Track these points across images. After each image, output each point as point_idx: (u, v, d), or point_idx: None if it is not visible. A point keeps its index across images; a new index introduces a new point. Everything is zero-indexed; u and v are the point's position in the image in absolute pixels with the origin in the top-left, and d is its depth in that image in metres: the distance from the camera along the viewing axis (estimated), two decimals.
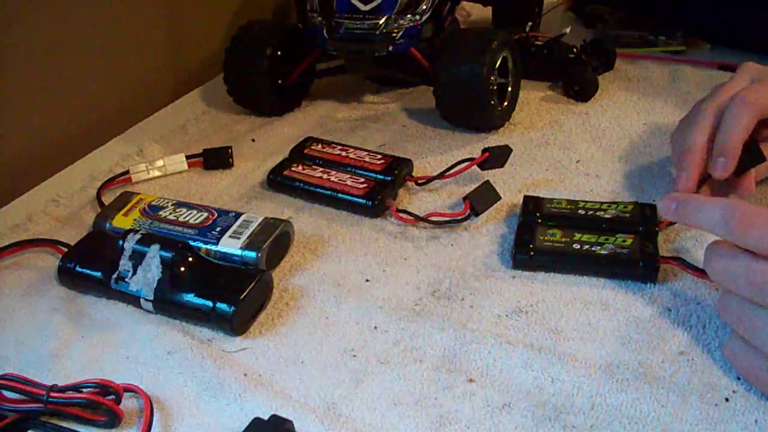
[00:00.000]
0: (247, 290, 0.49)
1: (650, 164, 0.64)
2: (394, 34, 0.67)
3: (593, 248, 0.52)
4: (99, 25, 0.72)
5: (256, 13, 0.91)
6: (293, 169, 0.63)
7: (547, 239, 0.53)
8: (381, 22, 0.67)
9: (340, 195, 0.60)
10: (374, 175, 0.62)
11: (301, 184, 0.62)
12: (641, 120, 0.72)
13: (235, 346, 0.48)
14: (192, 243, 0.53)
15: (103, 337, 0.49)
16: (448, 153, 0.68)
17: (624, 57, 0.82)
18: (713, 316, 0.48)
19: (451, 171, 0.61)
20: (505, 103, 0.71)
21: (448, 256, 0.55)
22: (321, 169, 0.63)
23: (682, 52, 0.83)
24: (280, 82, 0.74)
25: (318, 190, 0.61)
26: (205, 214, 0.56)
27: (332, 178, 0.61)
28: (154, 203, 0.58)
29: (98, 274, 0.52)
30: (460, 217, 0.57)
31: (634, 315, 0.49)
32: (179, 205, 0.58)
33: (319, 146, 0.66)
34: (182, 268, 0.50)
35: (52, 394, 0.42)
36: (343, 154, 0.65)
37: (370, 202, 0.59)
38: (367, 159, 0.64)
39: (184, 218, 0.56)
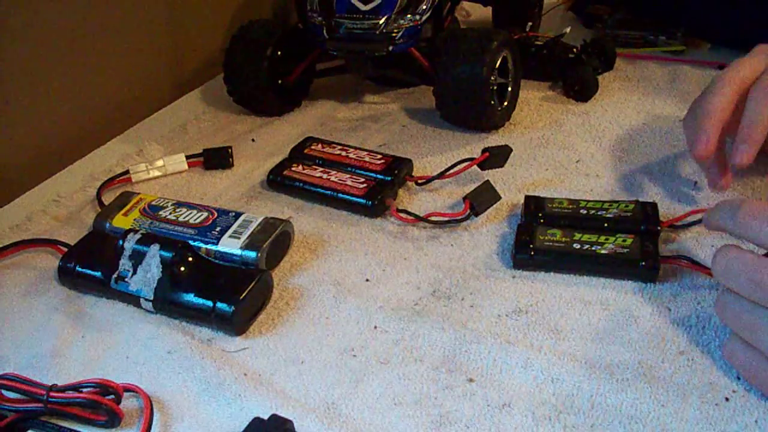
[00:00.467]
0: (247, 290, 0.49)
1: (650, 164, 0.64)
2: (394, 34, 0.67)
3: (593, 248, 0.52)
4: (99, 25, 0.72)
5: (256, 13, 0.91)
6: (293, 169, 0.63)
7: (548, 239, 0.53)
8: (381, 22, 0.67)
9: (340, 195, 0.60)
10: (374, 175, 0.62)
11: (301, 184, 0.62)
12: (641, 120, 0.72)
13: (235, 346, 0.48)
14: (192, 243, 0.53)
15: (103, 337, 0.49)
16: (448, 153, 0.68)
17: (624, 57, 0.82)
18: (713, 316, 0.48)
19: (451, 171, 0.61)
20: (505, 103, 0.71)
21: (448, 256, 0.55)
22: (321, 169, 0.63)
23: (682, 52, 0.83)
24: (280, 82, 0.74)
25: (318, 190, 0.61)
26: (205, 214, 0.56)
27: (332, 178, 0.61)
28: (154, 203, 0.58)
29: (98, 273, 0.52)
30: (460, 217, 0.57)
31: (634, 315, 0.49)
32: (179, 205, 0.58)
33: (319, 146, 0.66)
34: (182, 268, 0.50)
35: (52, 393, 0.42)
36: (343, 154, 0.65)
37: (370, 202, 0.59)
38: (367, 159, 0.64)
39: (184, 218, 0.56)
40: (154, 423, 0.42)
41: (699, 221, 0.55)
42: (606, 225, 0.54)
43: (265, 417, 0.41)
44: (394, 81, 0.80)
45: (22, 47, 0.65)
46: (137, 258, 0.50)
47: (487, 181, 0.59)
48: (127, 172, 0.65)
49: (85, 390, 0.42)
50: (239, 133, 0.73)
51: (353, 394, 0.44)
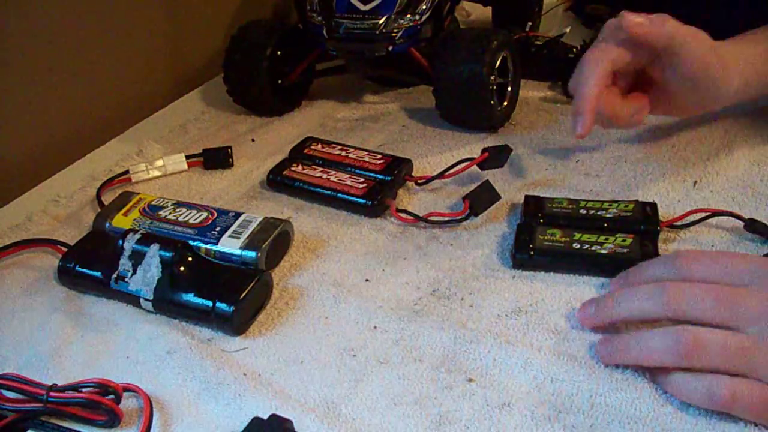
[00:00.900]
0: (247, 290, 0.49)
1: (650, 164, 0.64)
2: (394, 34, 0.67)
3: (593, 248, 0.52)
4: (99, 25, 0.72)
5: (256, 13, 0.91)
6: (293, 168, 0.63)
7: (547, 239, 0.53)
8: (381, 22, 0.67)
9: (339, 195, 0.60)
10: (374, 175, 0.62)
11: (301, 184, 0.62)
12: None
13: (235, 345, 0.48)
14: (192, 243, 0.53)
15: (103, 337, 0.49)
16: (448, 153, 0.68)
17: None
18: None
19: (451, 171, 0.61)
20: (505, 103, 0.71)
21: (448, 256, 0.55)
22: (321, 168, 0.63)
23: None
24: (280, 82, 0.74)
25: (318, 189, 0.61)
26: (205, 214, 0.56)
27: (332, 178, 0.61)
28: (153, 203, 0.58)
29: (98, 273, 0.52)
30: (459, 217, 0.57)
31: None
32: (179, 204, 0.58)
33: (319, 146, 0.66)
34: (182, 268, 0.50)
35: (51, 393, 0.42)
36: (343, 154, 0.65)
37: (370, 202, 0.59)
38: (367, 159, 0.64)
39: (184, 218, 0.56)
40: (153, 423, 0.42)
41: (699, 221, 0.55)
42: (606, 225, 0.54)
43: (265, 417, 0.41)
44: (394, 81, 0.80)
45: (23, 47, 0.65)
46: (137, 258, 0.50)
47: (487, 181, 0.59)
48: (127, 172, 0.65)
49: (84, 390, 0.42)
50: (239, 133, 0.73)
51: (353, 394, 0.44)
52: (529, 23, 0.83)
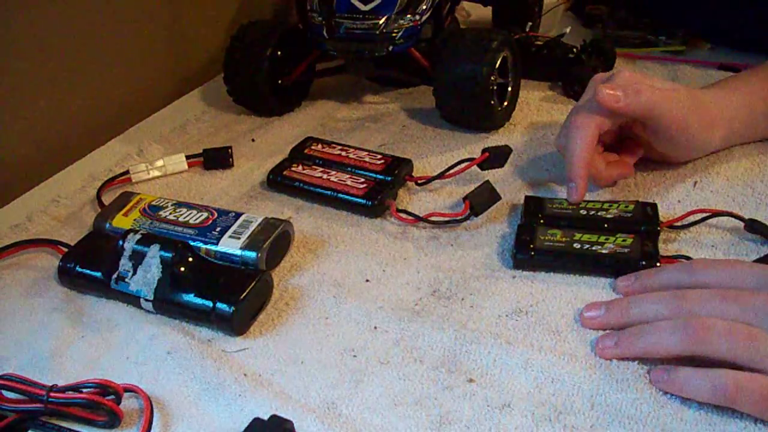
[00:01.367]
0: (247, 290, 0.49)
1: (650, 164, 0.64)
2: (394, 34, 0.67)
3: (594, 248, 0.52)
4: (99, 25, 0.72)
5: (256, 13, 0.90)
6: (293, 169, 0.63)
7: (548, 239, 0.53)
8: (381, 22, 0.67)
9: (340, 195, 0.60)
10: (374, 175, 0.62)
11: (301, 184, 0.62)
12: None
13: (235, 346, 0.48)
14: (192, 243, 0.53)
15: (103, 337, 0.49)
16: (448, 153, 0.68)
17: (624, 57, 0.82)
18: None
19: (451, 171, 0.61)
20: (505, 103, 0.70)
21: (448, 256, 0.55)
22: (321, 169, 0.63)
23: (682, 52, 0.83)
24: (280, 82, 0.74)
25: (318, 190, 0.61)
26: (205, 214, 0.56)
27: (332, 178, 0.61)
28: (154, 203, 0.58)
29: (98, 274, 0.52)
30: (460, 217, 0.57)
31: None
32: (179, 205, 0.58)
33: (319, 146, 0.66)
34: (182, 268, 0.50)
35: (52, 394, 0.42)
36: (343, 154, 0.65)
37: (370, 202, 0.59)
38: (367, 159, 0.64)
39: (184, 218, 0.56)
40: (154, 423, 0.42)
41: (699, 221, 0.55)
42: (606, 225, 0.54)
43: (265, 417, 0.41)
44: (394, 81, 0.80)
45: (23, 48, 0.65)
46: (137, 258, 0.50)
47: (487, 181, 0.59)
48: (127, 172, 0.65)
49: (85, 390, 0.42)
50: (239, 133, 0.73)
51: (353, 395, 0.44)
52: (529, 23, 0.83)
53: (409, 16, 0.68)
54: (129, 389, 0.43)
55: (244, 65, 0.72)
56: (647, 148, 0.61)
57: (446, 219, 0.58)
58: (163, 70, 0.81)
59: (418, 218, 0.58)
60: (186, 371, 0.46)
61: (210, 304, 0.48)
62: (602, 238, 0.52)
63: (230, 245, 0.53)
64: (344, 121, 0.75)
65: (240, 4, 0.88)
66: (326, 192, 0.61)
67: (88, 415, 0.42)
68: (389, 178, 0.61)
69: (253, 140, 0.72)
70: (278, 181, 0.63)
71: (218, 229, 0.55)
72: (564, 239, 0.53)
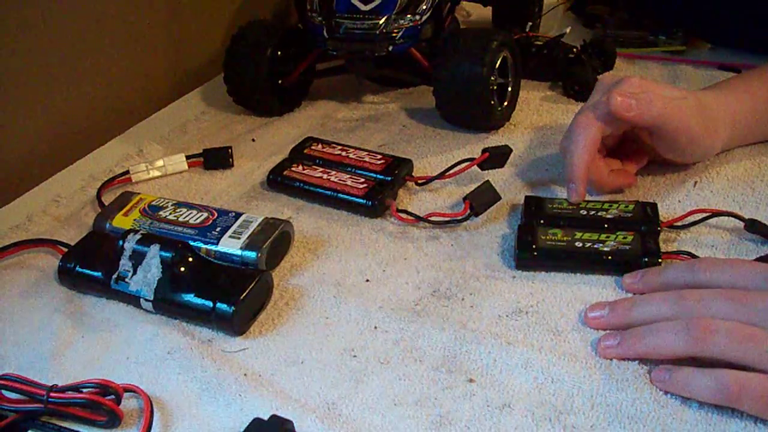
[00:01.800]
0: (247, 290, 0.48)
1: (650, 164, 0.64)
2: (394, 34, 0.67)
3: (595, 246, 0.52)
4: (99, 25, 0.72)
5: (256, 13, 0.91)
6: (293, 169, 0.63)
7: (549, 238, 0.53)
8: (381, 22, 0.67)
9: (340, 195, 0.60)
10: (374, 175, 0.62)
11: (301, 184, 0.62)
12: None
13: (235, 346, 0.48)
14: (192, 243, 0.53)
15: (103, 337, 0.49)
16: (448, 153, 0.68)
17: (624, 57, 0.82)
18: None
19: (451, 171, 0.61)
20: (505, 103, 0.71)
21: (448, 256, 0.55)
22: (321, 169, 0.63)
23: (682, 52, 0.83)
24: (280, 82, 0.74)
25: (318, 190, 0.61)
26: (205, 214, 0.56)
27: (332, 178, 0.61)
28: (154, 203, 0.58)
29: (98, 274, 0.52)
30: (460, 217, 0.57)
31: None
32: (179, 205, 0.58)
33: (319, 146, 0.66)
34: (182, 268, 0.50)
35: (52, 394, 0.42)
36: (343, 154, 0.65)
37: (370, 202, 0.59)
38: (367, 159, 0.64)
39: (184, 218, 0.56)
40: (154, 423, 0.42)
41: (699, 221, 0.55)
42: (606, 225, 0.54)
43: (265, 417, 0.41)
44: (394, 81, 0.80)
45: (23, 47, 0.65)
46: (137, 258, 0.50)
47: (487, 181, 0.59)
48: (127, 172, 0.65)
49: (85, 390, 0.42)
50: (239, 133, 0.73)
51: (353, 395, 0.44)
52: (529, 23, 0.83)
53: (409, 16, 0.68)
54: (129, 389, 0.43)
55: (244, 65, 0.72)
56: (650, 152, 0.61)
57: (446, 219, 0.58)
58: (163, 70, 0.81)
59: (418, 218, 0.58)
60: (186, 371, 0.46)
61: (210, 304, 0.48)
62: (603, 236, 0.52)
63: (230, 245, 0.53)
64: (344, 121, 0.75)
65: (240, 4, 0.89)
66: (326, 192, 0.61)
67: (88, 415, 0.42)
68: (389, 178, 0.61)
69: (253, 140, 0.72)
70: (278, 181, 0.63)
71: (218, 229, 0.55)
72: (565, 238, 0.53)
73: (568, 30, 0.79)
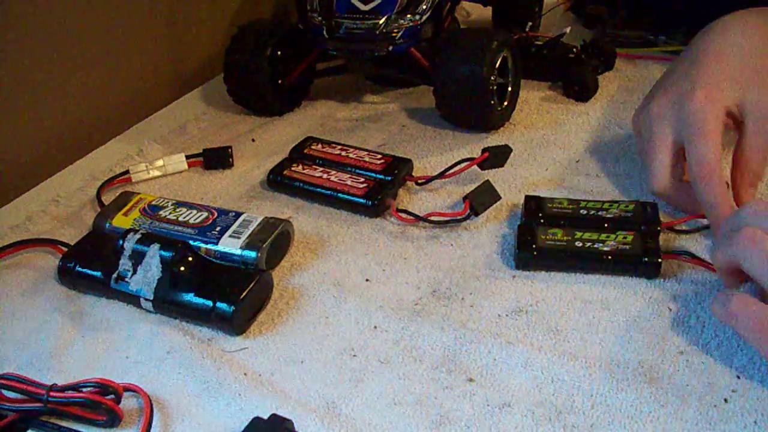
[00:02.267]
0: (247, 290, 0.49)
1: None
2: (394, 34, 0.67)
3: (595, 245, 0.52)
4: (99, 25, 0.72)
5: (256, 13, 0.91)
6: (293, 168, 0.63)
7: (549, 238, 0.53)
8: (381, 22, 0.67)
9: (340, 195, 0.60)
10: (374, 175, 0.62)
11: (301, 184, 0.62)
12: None
13: (235, 345, 0.48)
14: (192, 243, 0.53)
15: (103, 337, 0.49)
16: (448, 153, 0.68)
17: (624, 57, 0.82)
18: (713, 316, 0.48)
19: (451, 171, 0.61)
20: (505, 103, 0.71)
21: (448, 256, 0.55)
22: (321, 168, 0.63)
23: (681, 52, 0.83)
24: (280, 82, 0.74)
25: (318, 189, 0.61)
26: (205, 214, 0.56)
27: (332, 178, 0.61)
28: (154, 203, 0.58)
29: (98, 273, 0.52)
30: (460, 217, 0.57)
31: (634, 315, 0.49)
32: (179, 204, 0.58)
33: (319, 146, 0.66)
34: (182, 268, 0.50)
35: (51, 393, 0.42)
36: (343, 153, 0.65)
37: (370, 202, 0.59)
38: (367, 159, 0.64)
39: (184, 218, 0.56)
40: (154, 423, 0.42)
41: (701, 228, 0.55)
42: (606, 225, 0.54)
43: (265, 416, 0.41)
44: (394, 81, 0.80)
45: (23, 47, 0.65)
46: (137, 258, 0.50)
47: (487, 181, 0.59)
48: (127, 172, 0.65)
49: (85, 390, 0.42)
50: (239, 133, 0.73)
51: (353, 394, 0.44)
52: (529, 23, 0.83)
53: (409, 16, 0.68)
54: (129, 388, 0.43)
55: (244, 65, 0.72)
56: None
57: (446, 219, 0.58)
58: (163, 70, 0.81)
59: (418, 218, 0.58)
60: (186, 371, 0.46)
61: (210, 303, 0.48)
62: (603, 236, 0.52)
63: (230, 245, 0.53)
64: (344, 121, 0.75)
65: (240, 4, 0.89)
66: (326, 192, 0.61)
67: (88, 414, 0.42)
68: (389, 178, 0.61)
69: (253, 140, 0.72)
70: (278, 180, 0.63)
71: (218, 228, 0.55)
72: (565, 238, 0.53)
73: (568, 30, 0.79)
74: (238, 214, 0.56)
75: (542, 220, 0.56)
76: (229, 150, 0.68)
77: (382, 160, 0.63)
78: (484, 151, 0.61)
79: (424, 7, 0.68)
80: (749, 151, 0.54)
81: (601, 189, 0.62)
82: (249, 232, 0.54)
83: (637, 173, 0.63)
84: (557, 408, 0.42)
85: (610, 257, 0.51)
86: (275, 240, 0.54)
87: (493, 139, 0.69)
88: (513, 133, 0.71)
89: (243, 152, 0.70)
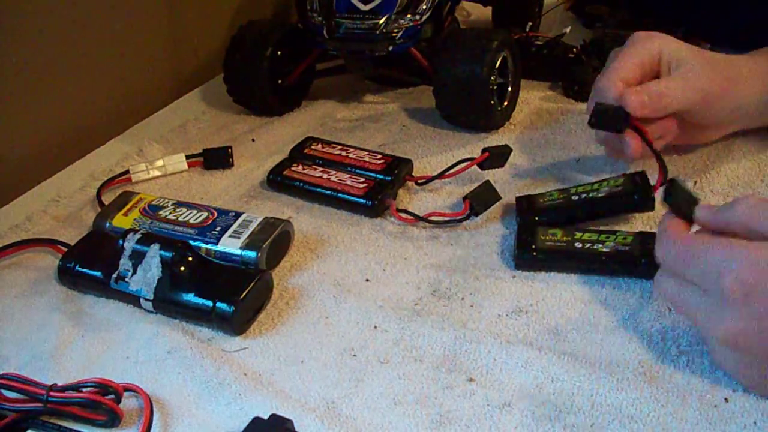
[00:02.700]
0: (247, 290, 0.49)
1: (650, 163, 0.64)
2: (394, 34, 0.67)
3: (595, 246, 0.52)
4: (99, 25, 0.72)
5: (256, 13, 0.91)
6: (293, 168, 0.63)
7: (549, 239, 0.53)
8: (381, 22, 0.67)
9: (340, 195, 0.60)
10: (374, 175, 0.62)
11: (301, 184, 0.62)
12: None
13: (235, 345, 0.48)
14: (192, 243, 0.53)
15: (103, 337, 0.49)
16: (448, 153, 0.68)
17: None
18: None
19: (451, 171, 0.61)
20: (505, 103, 0.71)
21: (448, 256, 0.55)
22: (321, 168, 0.63)
23: None
24: (280, 82, 0.74)
25: (318, 189, 0.61)
26: (205, 214, 0.56)
27: (332, 178, 0.61)
28: (154, 203, 0.58)
29: (98, 273, 0.52)
30: (460, 217, 0.57)
31: (634, 315, 0.49)
32: (179, 204, 0.58)
33: (319, 146, 0.66)
34: (182, 268, 0.50)
35: (51, 393, 0.42)
36: (343, 154, 0.65)
37: (370, 202, 0.59)
38: (367, 159, 0.64)
39: (184, 218, 0.56)
40: (154, 423, 0.42)
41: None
42: (601, 204, 0.55)
43: (265, 417, 0.41)
44: (394, 81, 0.80)
45: (23, 47, 0.65)
46: (137, 258, 0.50)
47: (487, 181, 0.59)
48: (127, 172, 0.65)
49: (85, 390, 0.42)
50: (239, 133, 0.73)
51: (353, 394, 0.44)
52: (529, 23, 0.83)
53: (409, 16, 0.68)
54: (129, 388, 0.43)
55: (244, 65, 0.72)
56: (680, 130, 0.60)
57: (446, 219, 0.58)
58: (163, 70, 0.81)
59: (418, 218, 0.58)
60: (186, 371, 0.46)
61: (210, 303, 0.48)
62: (603, 237, 0.52)
63: (230, 245, 0.53)
64: (344, 121, 0.75)
65: (240, 4, 0.89)
66: (326, 192, 0.61)
67: (88, 414, 0.42)
68: (389, 178, 0.61)
69: (253, 140, 0.72)
70: (278, 181, 0.63)
71: (218, 228, 0.55)
72: (565, 239, 0.53)
73: (568, 30, 0.79)
74: (238, 214, 0.56)
75: (537, 217, 0.56)
76: (229, 150, 0.68)
77: (382, 160, 0.63)
78: (484, 151, 0.61)
79: (424, 7, 0.68)
80: (663, 81, 0.57)
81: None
82: (249, 232, 0.54)
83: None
84: (557, 407, 0.42)
85: (609, 258, 0.51)
86: (275, 240, 0.54)
87: (493, 139, 0.69)
88: (513, 133, 0.71)
89: (243, 152, 0.70)
